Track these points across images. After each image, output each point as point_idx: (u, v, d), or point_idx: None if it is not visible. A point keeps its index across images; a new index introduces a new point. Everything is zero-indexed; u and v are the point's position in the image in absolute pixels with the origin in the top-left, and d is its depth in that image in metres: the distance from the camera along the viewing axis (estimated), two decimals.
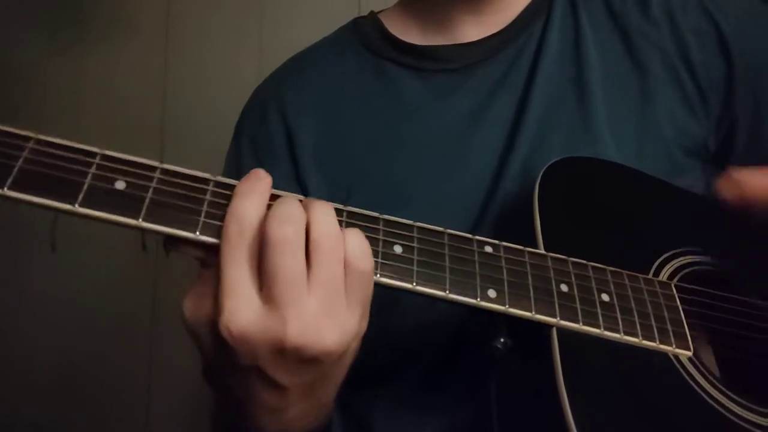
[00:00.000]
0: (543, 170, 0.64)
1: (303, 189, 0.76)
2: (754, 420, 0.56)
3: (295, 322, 0.45)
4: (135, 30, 1.89)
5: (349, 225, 0.53)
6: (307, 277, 0.46)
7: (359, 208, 0.73)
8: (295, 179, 0.76)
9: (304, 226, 0.47)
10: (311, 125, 0.78)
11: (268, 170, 0.77)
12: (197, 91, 1.83)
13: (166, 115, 1.85)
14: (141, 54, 1.88)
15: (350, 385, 0.76)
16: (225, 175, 0.79)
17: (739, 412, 0.56)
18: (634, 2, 0.76)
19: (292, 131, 0.78)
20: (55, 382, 1.86)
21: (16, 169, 0.45)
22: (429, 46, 0.78)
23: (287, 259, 0.45)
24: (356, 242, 0.48)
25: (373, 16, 0.84)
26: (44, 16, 1.92)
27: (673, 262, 0.64)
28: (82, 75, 1.89)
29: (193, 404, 1.77)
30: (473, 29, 0.78)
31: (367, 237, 0.52)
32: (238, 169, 0.80)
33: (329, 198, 0.73)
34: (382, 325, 0.71)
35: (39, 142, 0.47)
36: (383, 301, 0.63)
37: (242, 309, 0.45)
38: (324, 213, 0.48)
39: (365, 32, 0.82)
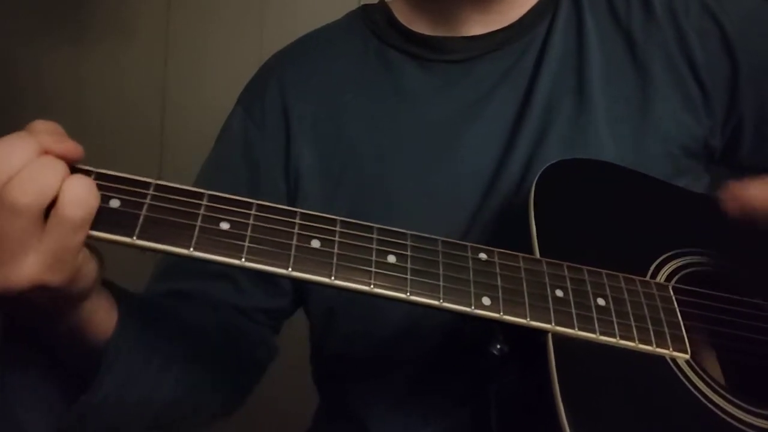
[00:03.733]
0: (539, 174, 0.64)
1: (294, 164, 0.77)
2: (754, 422, 0.56)
3: None
4: (135, 30, 1.89)
5: (342, 234, 0.53)
6: None
7: (348, 190, 0.75)
8: (282, 156, 0.78)
9: None
10: (310, 105, 0.79)
11: (253, 143, 0.79)
12: (197, 90, 1.83)
13: (166, 115, 1.85)
14: (141, 54, 1.88)
15: (346, 382, 0.77)
16: (217, 137, 0.83)
17: (739, 415, 0.56)
18: (637, 4, 0.76)
19: (289, 108, 0.79)
20: None
21: None
22: (434, 36, 0.79)
23: None
24: (74, 188, 0.46)
25: (382, 3, 0.84)
26: (44, 16, 1.91)
27: (671, 264, 0.64)
28: (82, 75, 1.89)
29: None
30: (479, 26, 0.78)
31: (361, 247, 0.52)
32: (226, 131, 0.82)
33: (320, 179, 0.76)
34: (367, 323, 0.72)
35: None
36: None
37: None
38: (13, 147, 0.45)
39: (374, 18, 0.83)
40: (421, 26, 0.80)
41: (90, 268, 0.50)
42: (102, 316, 0.57)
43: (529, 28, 0.77)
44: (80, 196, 0.46)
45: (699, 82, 0.74)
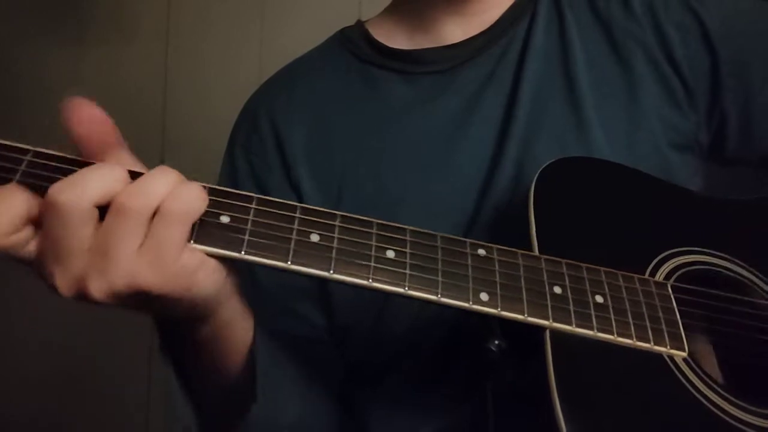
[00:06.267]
0: (538, 172, 0.64)
1: (297, 194, 0.76)
2: (750, 420, 0.56)
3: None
4: (135, 31, 1.89)
5: (342, 229, 0.53)
6: None
7: (351, 212, 0.74)
8: (288, 185, 0.77)
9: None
10: (301, 132, 0.78)
11: (263, 177, 0.78)
12: (197, 91, 1.83)
13: (166, 115, 1.85)
14: (141, 54, 1.88)
15: (348, 383, 0.77)
16: (220, 185, 0.81)
17: (735, 413, 0.56)
18: (617, 0, 0.76)
19: (282, 138, 0.78)
20: (54, 378, 1.86)
21: None
22: (414, 49, 0.79)
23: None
24: (184, 188, 0.50)
25: (359, 25, 0.84)
26: (45, 17, 1.92)
27: (670, 262, 0.64)
28: (82, 75, 1.89)
29: None
30: (457, 30, 0.78)
31: (360, 242, 0.53)
32: (232, 175, 0.80)
33: (321, 203, 0.75)
34: (374, 324, 0.72)
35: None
36: (375, 299, 0.63)
37: None
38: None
39: (352, 40, 0.83)
40: (399, 41, 0.80)
41: (208, 276, 0.51)
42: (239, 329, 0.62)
43: (507, 30, 0.77)
44: (189, 194, 0.49)
45: (680, 77, 0.74)
